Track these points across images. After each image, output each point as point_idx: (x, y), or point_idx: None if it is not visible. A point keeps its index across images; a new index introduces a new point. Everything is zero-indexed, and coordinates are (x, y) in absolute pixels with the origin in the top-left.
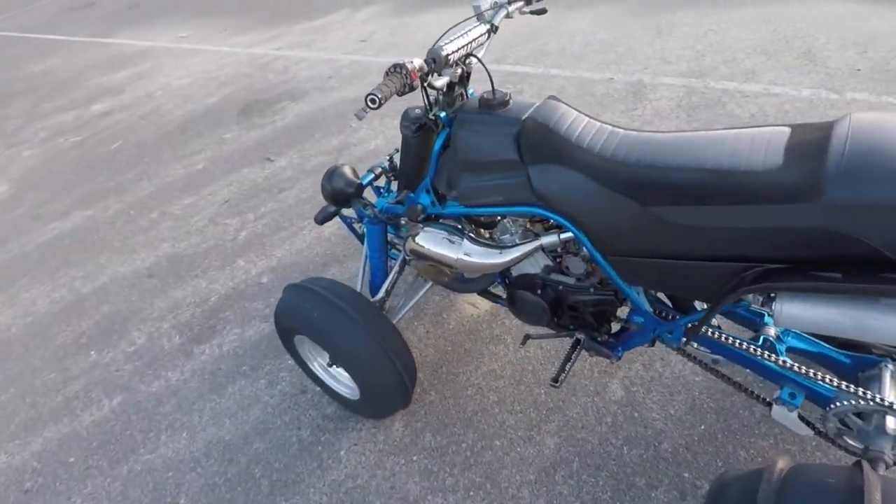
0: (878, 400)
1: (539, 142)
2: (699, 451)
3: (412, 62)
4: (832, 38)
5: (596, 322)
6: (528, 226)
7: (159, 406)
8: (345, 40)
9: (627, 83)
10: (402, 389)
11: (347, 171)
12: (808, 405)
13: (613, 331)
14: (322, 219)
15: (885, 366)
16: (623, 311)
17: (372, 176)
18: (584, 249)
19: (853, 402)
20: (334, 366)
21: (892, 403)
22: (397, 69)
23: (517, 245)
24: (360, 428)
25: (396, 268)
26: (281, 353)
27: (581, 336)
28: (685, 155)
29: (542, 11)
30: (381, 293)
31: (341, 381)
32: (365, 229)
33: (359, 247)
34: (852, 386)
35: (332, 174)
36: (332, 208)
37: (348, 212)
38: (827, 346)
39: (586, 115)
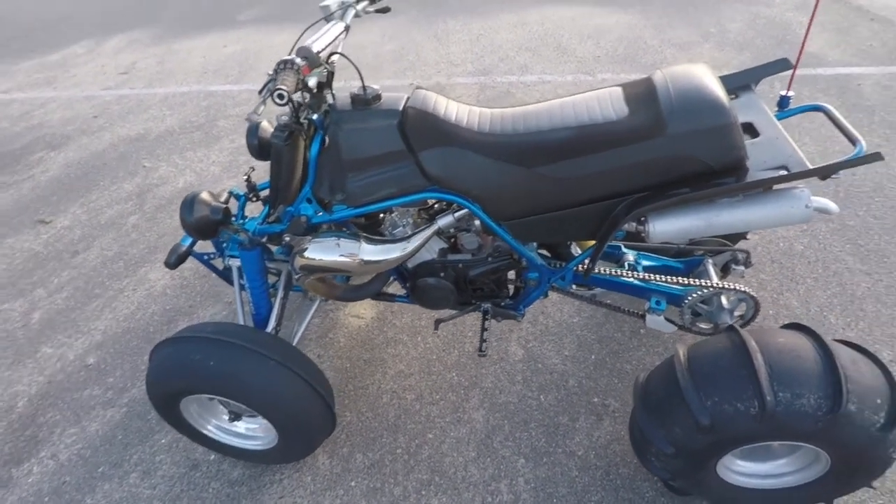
0: (712, 285)
1: (425, 127)
2: (597, 377)
3: (297, 58)
4: (573, 34)
5: (497, 289)
6: (417, 214)
7: None
8: (100, 74)
9: (428, 86)
10: (326, 413)
11: (207, 196)
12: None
13: (511, 293)
14: (176, 260)
15: (707, 261)
16: (513, 274)
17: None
18: (477, 223)
19: (698, 292)
20: (237, 420)
21: (721, 285)
22: (288, 64)
23: (415, 234)
24: (281, 478)
25: (281, 292)
26: (148, 435)
27: (486, 305)
28: (552, 119)
29: (386, 10)
30: (273, 322)
31: (248, 434)
32: (233, 261)
33: (209, 290)
34: (695, 281)
35: (193, 203)
36: (184, 246)
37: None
38: (667, 259)
39: (452, 99)
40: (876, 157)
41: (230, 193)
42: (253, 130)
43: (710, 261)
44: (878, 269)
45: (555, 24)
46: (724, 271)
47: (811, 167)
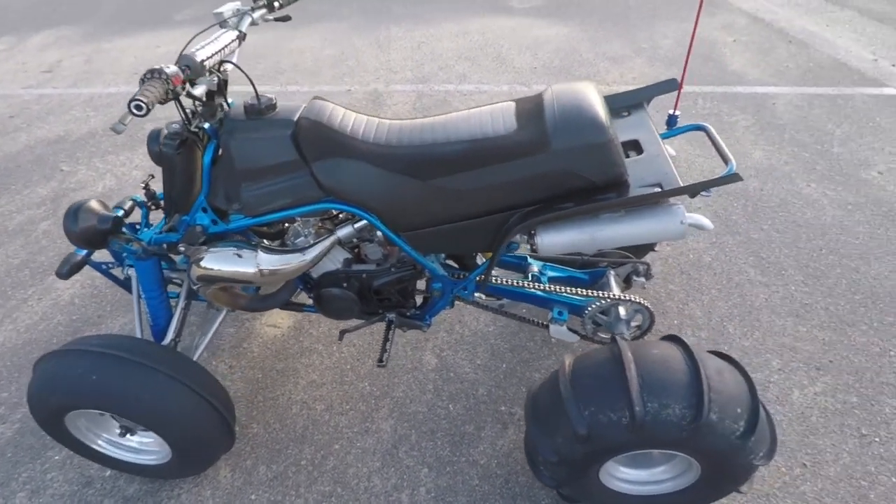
0: (611, 296)
1: (318, 138)
2: (507, 386)
3: (168, 67)
4: (512, 45)
5: (402, 299)
6: (320, 224)
7: None
8: (20, 72)
9: (365, 92)
10: (223, 427)
11: (96, 205)
12: (573, 320)
13: (419, 304)
14: (68, 271)
15: (609, 273)
16: (422, 284)
17: (122, 212)
18: (379, 234)
19: (598, 303)
20: (128, 434)
21: (619, 296)
22: (155, 74)
23: (315, 244)
24: (178, 493)
25: (182, 303)
26: (40, 451)
27: (391, 316)
28: (446, 132)
29: (287, 18)
30: (171, 334)
31: (141, 449)
32: (132, 271)
33: (120, 300)
34: (595, 292)
35: (77, 212)
36: (79, 256)
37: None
38: (572, 270)
39: (351, 110)
40: (735, 178)
41: (134, 201)
42: (154, 137)
43: (612, 272)
44: (776, 280)
45: (496, 34)
46: (627, 283)
47: (682, 185)
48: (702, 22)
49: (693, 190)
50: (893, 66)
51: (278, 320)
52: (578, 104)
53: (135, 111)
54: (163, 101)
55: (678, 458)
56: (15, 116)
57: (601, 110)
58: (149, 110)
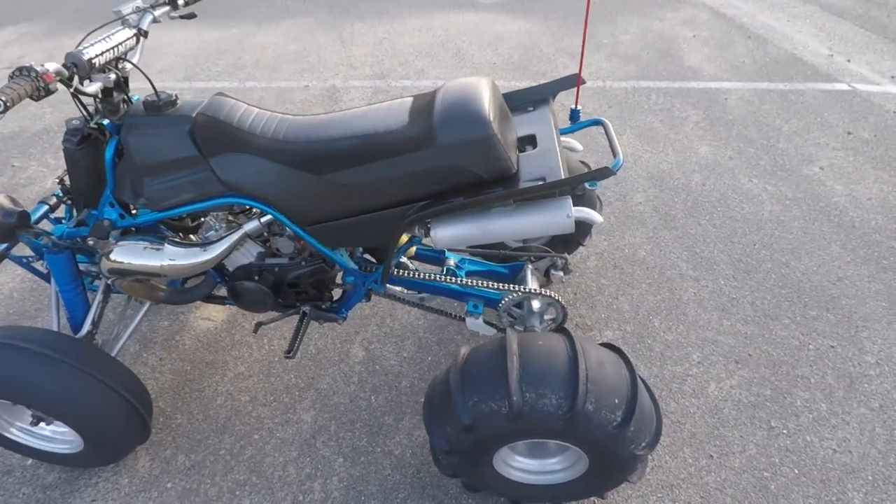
0: (523, 290)
1: (214, 133)
2: (430, 378)
3: (44, 65)
4: (473, 40)
5: (317, 292)
6: (231, 218)
7: None
8: None
9: (323, 88)
10: (135, 420)
11: (2, 199)
12: (489, 312)
13: (336, 297)
14: None
15: (527, 266)
16: (340, 278)
17: (46, 208)
18: (287, 228)
19: (510, 297)
20: (41, 423)
21: (531, 290)
22: (24, 72)
23: (222, 238)
24: (96, 481)
25: (99, 296)
26: None
27: (306, 309)
28: (339, 128)
29: (192, 16)
30: (87, 326)
31: (53, 438)
32: (47, 264)
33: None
34: (508, 286)
35: None
36: None
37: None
38: (491, 264)
39: (253, 105)
40: (607, 171)
41: (57, 197)
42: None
43: (529, 266)
44: (707, 275)
45: (458, 29)
46: (547, 276)
47: (562, 178)
48: (664, 17)
49: (572, 183)
50: (848, 61)
51: (213, 313)
52: (465, 99)
53: None
54: (35, 98)
55: (570, 449)
56: None
57: (487, 105)
58: (8, 107)
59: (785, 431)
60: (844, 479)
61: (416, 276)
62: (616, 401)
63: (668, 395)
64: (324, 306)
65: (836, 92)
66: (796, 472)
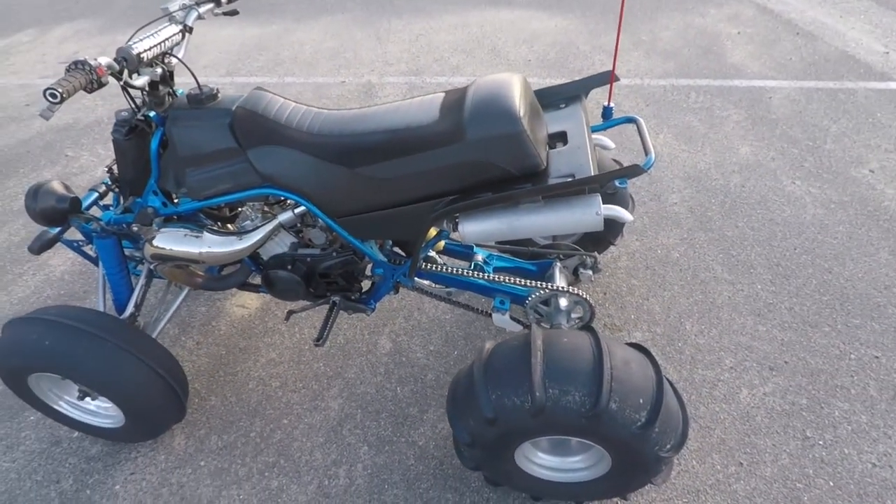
0: (551, 287)
1: (253, 127)
2: (455, 372)
3: (97, 59)
4: (509, 37)
5: (347, 283)
6: (266, 208)
7: None
8: (39, 63)
9: (358, 84)
10: (173, 400)
11: (57, 185)
12: (516, 309)
13: (365, 289)
14: (39, 247)
15: (556, 263)
16: (370, 269)
17: (96, 195)
18: (320, 219)
19: (538, 293)
20: (87, 398)
21: (559, 287)
22: (79, 65)
23: (258, 228)
24: (136, 456)
25: (142, 280)
26: (18, 412)
27: (335, 299)
28: (372, 123)
29: (234, 13)
30: (130, 308)
31: (98, 412)
32: (96, 248)
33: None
34: (535, 282)
35: (37, 192)
36: (51, 234)
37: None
38: (520, 260)
39: (290, 99)
40: (637, 169)
41: (106, 185)
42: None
43: (558, 264)
44: (743, 279)
45: (494, 27)
46: (575, 275)
47: (591, 175)
48: (707, 13)
49: (602, 180)
50: None
51: (247, 301)
52: (495, 96)
53: (49, 98)
54: (89, 90)
55: (593, 448)
56: (31, 105)
57: (517, 102)
58: (64, 98)
59: (821, 442)
60: (884, 495)
61: (444, 270)
62: (641, 400)
63: (698, 399)
64: (353, 297)
65: (890, 91)
66: (831, 484)
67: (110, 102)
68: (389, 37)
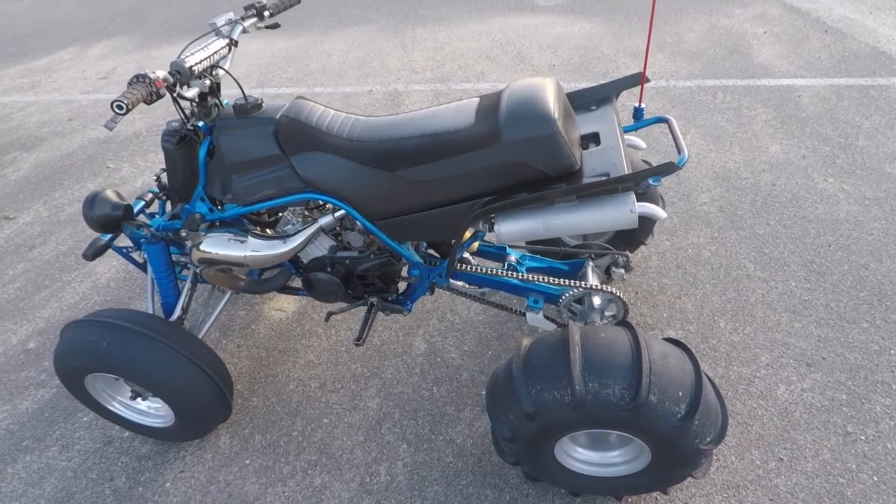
0: (584, 286)
1: (295, 134)
2: (490, 371)
3: (155, 73)
4: (533, 43)
5: (384, 284)
6: (307, 213)
7: None
8: (80, 79)
9: (385, 93)
10: (219, 399)
11: (111, 194)
12: (549, 308)
13: (402, 290)
14: (93, 253)
15: (588, 263)
16: (406, 271)
17: (143, 203)
18: (358, 222)
19: (571, 292)
20: (139, 398)
21: (592, 286)
22: (140, 79)
23: (299, 231)
24: (184, 455)
25: (189, 284)
26: (72, 413)
27: (373, 300)
28: (410, 127)
29: (276, 26)
30: (178, 312)
31: (149, 412)
32: (145, 254)
33: (146, 283)
34: (568, 281)
35: (94, 200)
36: (103, 240)
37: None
38: (552, 260)
39: (331, 107)
40: (670, 167)
41: (153, 193)
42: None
43: (590, 263)
44: (776, 276)
45: (518, 32)
46: (607, 274)
47: (625, 174)
48: (732, 13)
49: (636, 178)
50: None
51: (284, 305)
52: (530, 99)
53: (116, 110)
54: (148, 102)
55: (633, 442)
56: (73, 119)
57: (551, 104)
58: (129, 110)
59: (863, 437)
60: None
61: (478, 270)
62: (680, 393)
63: (735, 396)
64: (390, 298)
65: None
66: (875, 479)
67: (148, 116)
68: (415, 45)
